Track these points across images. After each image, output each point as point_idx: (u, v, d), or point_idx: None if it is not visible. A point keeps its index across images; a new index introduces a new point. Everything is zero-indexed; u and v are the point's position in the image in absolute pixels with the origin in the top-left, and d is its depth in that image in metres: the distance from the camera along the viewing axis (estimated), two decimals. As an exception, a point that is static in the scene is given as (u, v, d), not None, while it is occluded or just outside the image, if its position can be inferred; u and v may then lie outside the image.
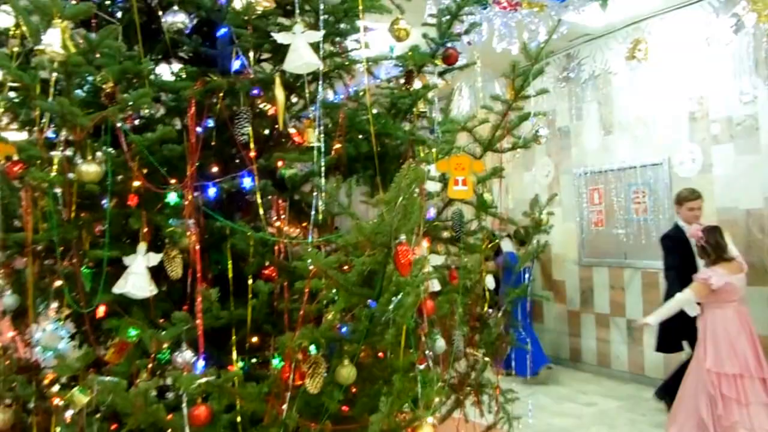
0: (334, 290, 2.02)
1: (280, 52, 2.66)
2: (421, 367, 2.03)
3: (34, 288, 2.38)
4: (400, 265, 1.79)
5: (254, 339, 2.39)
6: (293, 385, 1.96)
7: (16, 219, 2.56)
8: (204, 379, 1.90)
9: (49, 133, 2.46)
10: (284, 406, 1.93)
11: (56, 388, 2.27)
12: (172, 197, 2.28)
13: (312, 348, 1.98)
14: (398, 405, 1.97)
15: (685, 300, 4.96)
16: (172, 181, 2.33)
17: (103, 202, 2.35)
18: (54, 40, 2.04)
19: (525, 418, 3.34)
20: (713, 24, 6.39)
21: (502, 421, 3.17)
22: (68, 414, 2.11)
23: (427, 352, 2.10)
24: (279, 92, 2.46)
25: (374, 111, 2.88)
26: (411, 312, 1.93)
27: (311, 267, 1.97)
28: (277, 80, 2.48)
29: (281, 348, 2.00)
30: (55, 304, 2.43)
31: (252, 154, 2.47)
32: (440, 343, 2.59)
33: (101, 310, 2.27)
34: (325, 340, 1.98)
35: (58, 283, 2.35)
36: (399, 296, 1.91)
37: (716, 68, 6.40)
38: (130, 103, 2.23)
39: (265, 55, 2.94)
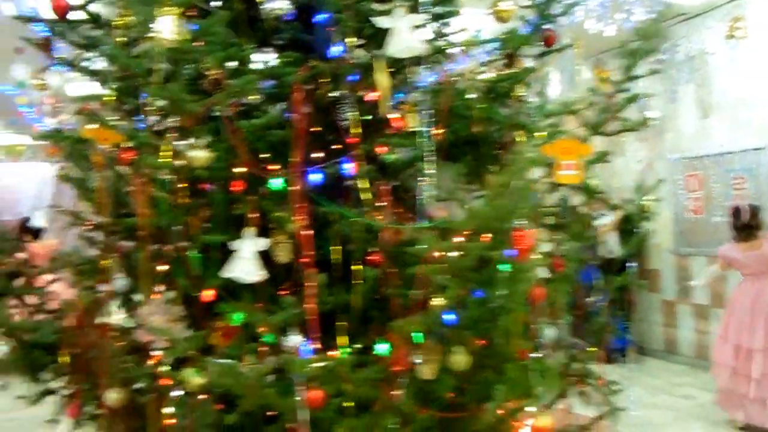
0: (443, 276, 1.98)
1: (378, 36, 2.63)
2: (535, 355, 1.98)
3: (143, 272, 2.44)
4: (518, 250, 1.74)
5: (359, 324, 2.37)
6: (406, 371, 1.94)
7: (122, 206, 2.63)
8: (318, 363, 1.90)
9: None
10: (398, 392, 1.92)
11: (163, 369, 2.32)
12: (277, 182, 2.29)
13: (421, 335, 1.95)
14: (512, 394, 1.93)
15: (714, 268, 6.10)
16: (276, 166, 2.34)
17: (210, 187, 2.38)
18: (165, 28, 2.08)
19: (627, 411, 3.22)
20: (822, -2, 6.04)
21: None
22: (177, 394, 2.17)
23: (540, 340, 2.05)
24: (382, 77, 2.43)
25: (473, 95, 2.81)
26: (523, 299, 1.88)
27: (423, 252, 1.94)
28: (380, 65, 2.45)
29: (395, 334, 1.98)
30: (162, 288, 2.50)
31: (355, 139, 2.46)
32: (550, 332, 2.52)
33: (210, 294, 2.30)
34: (437, 327, 1.95)
35: (166, 267, 2.40)
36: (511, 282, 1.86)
37: (824, 45, 6.05)
38: (237, 90, 2.26)
39: (360, 41, 2.92)
